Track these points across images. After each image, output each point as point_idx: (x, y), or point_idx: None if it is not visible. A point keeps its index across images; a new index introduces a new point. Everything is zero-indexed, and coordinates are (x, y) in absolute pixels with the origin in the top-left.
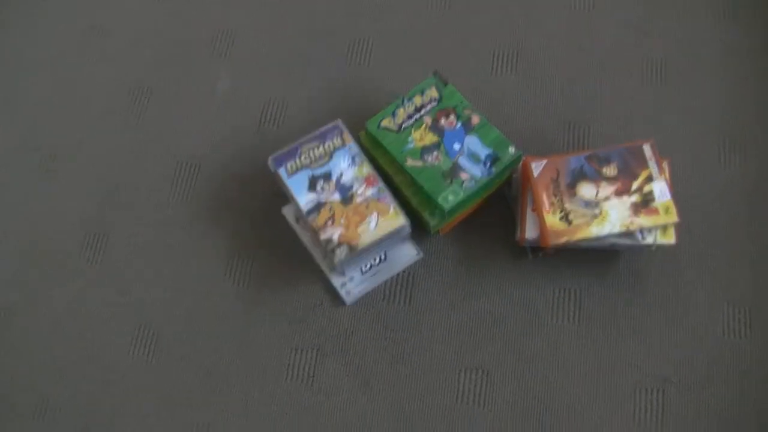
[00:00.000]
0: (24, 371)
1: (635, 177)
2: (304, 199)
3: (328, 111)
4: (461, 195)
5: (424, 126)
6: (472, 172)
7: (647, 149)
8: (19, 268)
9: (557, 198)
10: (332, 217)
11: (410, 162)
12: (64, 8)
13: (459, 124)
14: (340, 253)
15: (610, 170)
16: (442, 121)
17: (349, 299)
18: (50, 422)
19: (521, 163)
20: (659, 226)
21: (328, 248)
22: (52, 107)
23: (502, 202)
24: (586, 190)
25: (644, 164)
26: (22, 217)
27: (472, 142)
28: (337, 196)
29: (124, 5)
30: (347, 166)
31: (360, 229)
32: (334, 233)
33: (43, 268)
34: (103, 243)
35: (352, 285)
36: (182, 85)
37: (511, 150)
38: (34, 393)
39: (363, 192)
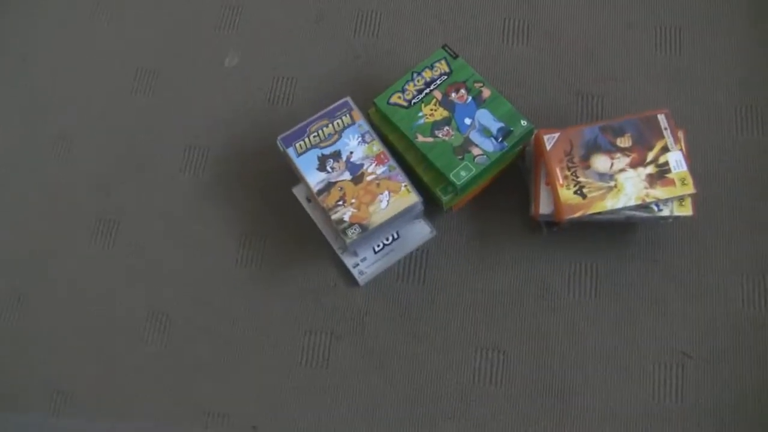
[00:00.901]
0: (37, 353)
1: (650, 148)
2: (315, 179)
3: (338, 86)
4: (473, 170)
5: (434, 101)
6: (484, 147)
7: (662, 119)
8: (32, 250)
9: (571, 171)
10: (343, 197)
11: (421, 138)
12: None
13: (470, 98)
14: (352, 233)
15: (624, 141)
16: (453, 95)
17: (362, 279)
18: (64, 406)
19: (534, 136)
20: (676, 197)
21: (339, 228)
22: (63, 86)
23: (516, 176)
24: (600, 162)
25: (659, 134)
26: (34, 198)
27: (484, 116)
28: (347, 175)
29: None
30: (357, 144)
31: (371, 208)
32: (346, 213)
33: (56, 250)
34: (115, 224)
35: (364, 265)
36: (190, 63)
37: (524, 123)
38: (47, 376)
39: (374, 170)
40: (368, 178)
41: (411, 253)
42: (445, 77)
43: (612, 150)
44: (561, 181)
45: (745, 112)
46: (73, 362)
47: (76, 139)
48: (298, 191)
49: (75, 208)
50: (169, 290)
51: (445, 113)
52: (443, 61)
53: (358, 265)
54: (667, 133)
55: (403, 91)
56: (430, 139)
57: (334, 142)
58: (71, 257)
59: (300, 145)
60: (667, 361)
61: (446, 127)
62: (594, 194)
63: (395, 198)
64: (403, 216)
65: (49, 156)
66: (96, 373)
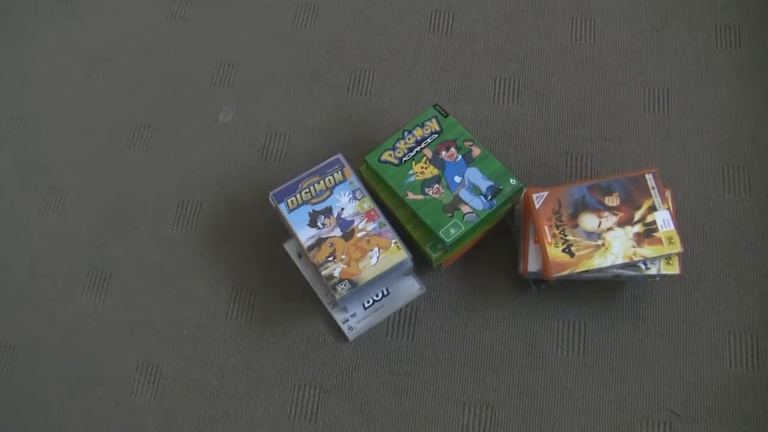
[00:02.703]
0: (27, 404)
1: (638, 207)
2: (305, 235)
3: (330, 143)
4: (463, 228)
5: (424, 159)
6: (474, 205)
7: (650, 178)
8: (24, 302)
9: (559, 229)
10: (333, 253)
11: (411, 195)
12: (66, 42)
13: (460, 157)
14: (342, 289)
15: (612, 200)
16: (443, 153)
17: (351, 335)
18: None
19: (523, 194)
20: (663, 256)
21: (329, 284)
22: (57, 141)
23: (505, 233)
24: (588, 221)
25: (647, 194)
26: (27, 250)
27: (473, 174)
28: (338, 232)
29: (125, 38)
30: (348, 200)
31: (361, 264)
32: (336, 269)
33: (48, 302)
34: (107, 277)
35: (354, 321)
36: (185, 119)
37: (513, 181)
38: (36, 427)
39: (364, 227)
40: (359, 235)
41: (400, 309)
42: (436, 135)
43: (600, 209)
44: (549, 239)
45: (731, 172)
46: (63, 414)
47: (69, 192)
48: (289, 247)
49: (68, 261)
50: (159, 343)
51: (436, 171)
52: (434, 120)
53: (347, 320)
54: (654, 192)
55: (394, 148)
56: (421, 197)
57: (326, 199)
58: (63, 309)
59: (292, 200)
60: (655, 419)
61: (436, 185)
62: (582, 252)
63: (385, 254)
64: (393, 272)
65: (43, 209)
66: (85, 426)
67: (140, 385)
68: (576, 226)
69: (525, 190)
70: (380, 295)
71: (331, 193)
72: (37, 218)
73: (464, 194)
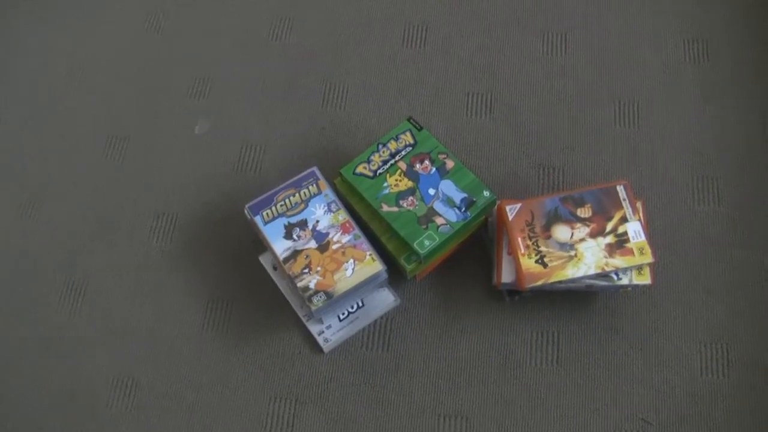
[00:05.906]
0: (2, 420)
1: (610, 218)
2: (281, 247)
3: (304, 155)
4: (437, 240)
5: (399, 171)
6: (448, 217)
7: (621, 190)
8: None
9: (533, 241)
10: (309, 265)
11: (386, 208)
12: (42, 52)
13: (434, 169)
14: (318, 301)
15: (584, 211)
16: (417, 166)
17: (327, 347)
18: None
19: (496, 206)
20: (634, 266)
21: (305, 295)
22: (32, 152)
23: (479, 245)
24: (561, 232)
25: (619, 205)
26: (1, 261)
27: (447, 186)
28: (313, 244)
29: (102, 48)
30: (323, 213)
31: (337, 276)
32: (311, 281)
33: (22, 314)
34: (81, 291)
35: (329, 332)
36: (161, 131)
37: (486, 194)
38: None
39: (339, 239)
40: (334, 247)
41: (375, 321)
42: (410, 148)
43: (572, 220)
44: (523, 251)
45: (701, 183)
46: (38, 426)
47: (45, 204)
48: (264, 259)
49: (43, 273)
50: (136, 355)
51: (410, 184)
52: (408, 133)
53: (323, 332)
54: (626, 204)
55: (368, 161)
56: (395, 209)
57: (301, 211)
58: (38, 321)
59: (267, 213)
60: (627, 427)
61: (411, 197)
62: (555, 263)
63: (360, 266)
64: (368, 284)
65: (18, 220)
66: None
67: (116, 397)
68: (549, 237)
69: (498, 202)
70: (355, 306)
71: (307, 206)
72: (11, 230)
73: (438, 206)
